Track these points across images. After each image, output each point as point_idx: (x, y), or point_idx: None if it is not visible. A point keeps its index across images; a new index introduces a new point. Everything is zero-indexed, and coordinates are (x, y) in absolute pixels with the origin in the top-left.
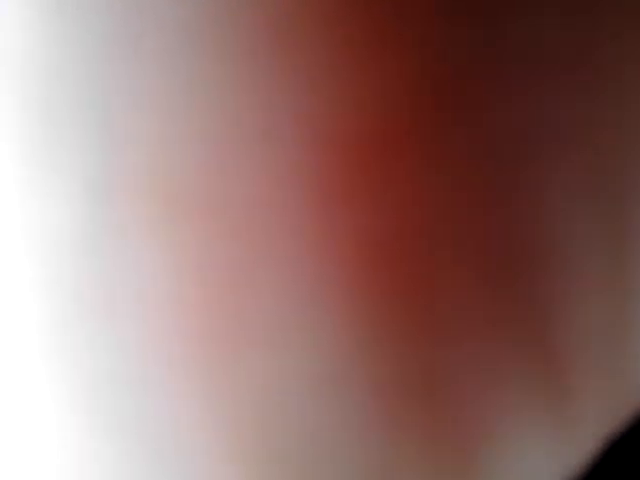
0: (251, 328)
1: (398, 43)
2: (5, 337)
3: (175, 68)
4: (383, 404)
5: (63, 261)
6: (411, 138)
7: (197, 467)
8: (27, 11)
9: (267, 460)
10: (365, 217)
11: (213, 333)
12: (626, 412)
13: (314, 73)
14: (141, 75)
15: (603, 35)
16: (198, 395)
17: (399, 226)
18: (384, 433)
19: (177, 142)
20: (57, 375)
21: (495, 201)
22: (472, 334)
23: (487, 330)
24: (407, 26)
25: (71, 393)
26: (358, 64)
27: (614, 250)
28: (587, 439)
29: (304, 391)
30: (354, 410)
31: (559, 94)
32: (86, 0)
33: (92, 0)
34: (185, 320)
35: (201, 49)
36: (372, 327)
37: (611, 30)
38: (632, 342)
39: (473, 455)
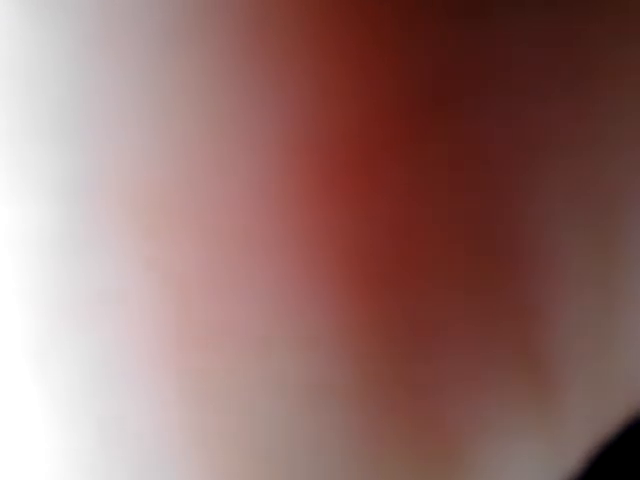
0: (234, 334)
1: (388, 45)
2: None
3: (155, 71)
4: (367, 414)
5: (41, 268)
6: (398, 142)
7: (180, 474)
8: (6, 16)
9: (250, 467)
10: (351, 222)
11: (197, 340)
12: (614, 418)
13: (297, 75)
14: (122, 79)
15: (601, 44)
16: (182, 404)
17: (385, 232)
18: (368, 442)
19: (158, 145)
20: (42, 383)
21: (482, 208)
22: (458, 341)
23: (473, 338)
24: (398, 28)
25: (55, 401)
26: (344, 65)
27: (601, 258)
28: (575, 445)
29: (288, 399)
30: (337, 419)
31: (552, 101)
32: (66, 4)
33: (72, 4)
34: (168, 326)
35: (182, 51)
36: (355, 335)
37: (609, 40)
38: (619, 348)
39: (459, 464)
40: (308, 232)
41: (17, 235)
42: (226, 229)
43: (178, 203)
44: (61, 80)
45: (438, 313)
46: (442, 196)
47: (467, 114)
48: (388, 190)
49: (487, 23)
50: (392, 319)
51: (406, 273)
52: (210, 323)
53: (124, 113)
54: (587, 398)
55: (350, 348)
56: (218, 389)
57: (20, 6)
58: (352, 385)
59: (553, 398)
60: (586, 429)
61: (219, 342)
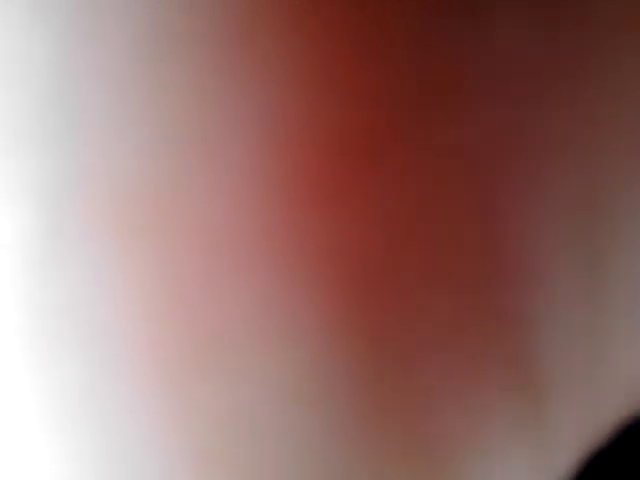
0: (226, 336)
1: (374, 48)
2: None
3: (143, 68)
4: (356, 422)
5: (25, 275)
6: (385, 148)
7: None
8: None
9: (245, 470)
10: (337, 229)
11: (190, 342)
12: (604, 427)
13: (290, 73)
14: (107, 78)
15: (590, 43)
16: (177, 406)
17: (372, 239)
18: (360, 445)
19: (147, 146)
20: (37, 386)
21: (472, 215)
22: (450, 350)
23: (466, 347)
24: (385, 29)
25: (49, 403)
26: (336, 64)
27: (594, 266)
28: (566, 455)
29: (275, 411)
30: (326, 430)
31: (539, 103)
32: (47, 3)
33: (54, 2)
34: (160, 329)
35: (171, 49)
36: (344, 344)
37: (598, 39)
38: (608, 359)
39: (451, 471)
40: (301, 234)
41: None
42: (216, 232)
43: (167, 205)
44: (43, 79)
45: (429, 320)
46: (434, 201)
47: (458, 119)
48: (376, 198)
49: (473, 31)
50: (382, 325)
51: (397, 281)
52: (202, 325)
53: (109, 113)
54: (577, 409)
55: (338, 356)
56: (212, 390)
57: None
58: (339, 394)
59: (543, 409)
60: (577, 439)
61: (211, 344)
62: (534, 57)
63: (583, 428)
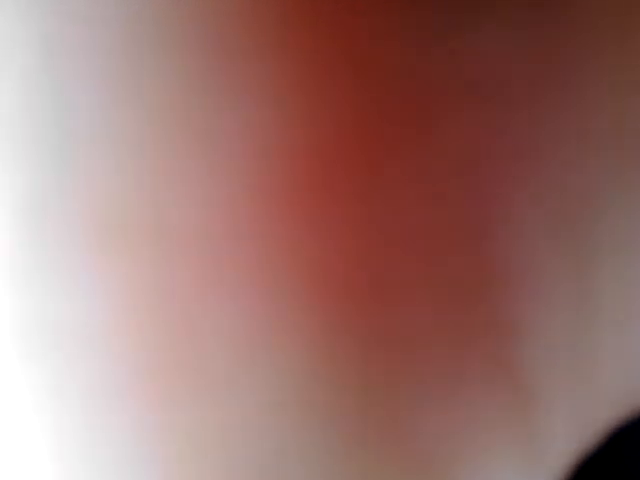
0: (201, 361)
1: (351, 57)
2: None
3: (126, 78)
4: (354, 426)
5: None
6: (367, 155)
7: None
8: None
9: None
10: (331, 238)
11: (163, 366)
12: (595, 431)
13: (276, 77)
14: (87, 92)
15: (585, 46)
16: (148, 431)
17: (356, 248)
18: (356, 454)
19: (130, 161)
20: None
21: (458, 220)
22: (438, 356)
23: (453, 352)
24: (381, 34)
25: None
26: (304, 76)
27: (580, 271)
28: (556, 458)
29: (264, 426)
30: (315, 440)
31: (522, 111)
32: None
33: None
34: (133, 352)
35: (153, 58)
36: (329, 356)
37: (593, 44)
38: (598, 362)
39: (445, 473)
40: (295, 244)
41: None
42: (192, 248)
43: (142, 224)
44: (22, 92)
45: (417, 330)
46: (420, 210)
47: (436, 128)
48: (359, 205)
49: (454, 37)
50: (368, 334)
51: (384, 289)
52: (187, 342)
53: (97, 109)
54: (566, 414)
55: (324, 368)
56: (206, 400)
57: None
58: (328, 405)
59: (533, 414)
60: (566, 444)
61: (204, 354)
62: (530, 60)
63: (575, 431)
